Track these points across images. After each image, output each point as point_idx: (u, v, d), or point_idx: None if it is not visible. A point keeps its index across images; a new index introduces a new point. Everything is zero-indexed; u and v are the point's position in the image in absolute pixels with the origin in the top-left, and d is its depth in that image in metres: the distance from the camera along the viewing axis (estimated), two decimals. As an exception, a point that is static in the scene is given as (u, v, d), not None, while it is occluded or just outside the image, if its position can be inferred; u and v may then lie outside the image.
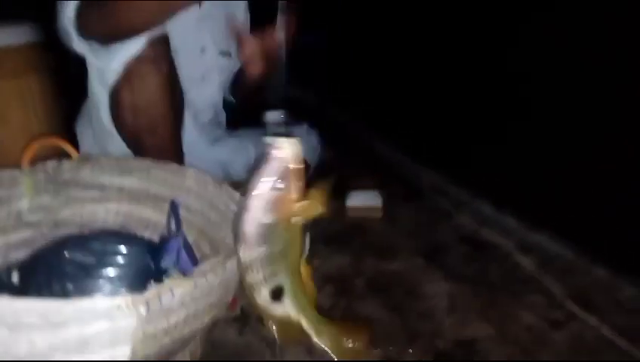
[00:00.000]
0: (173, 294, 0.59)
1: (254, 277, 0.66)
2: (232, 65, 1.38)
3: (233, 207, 0.90)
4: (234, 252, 0.68)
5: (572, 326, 1.00)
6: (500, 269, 1.21)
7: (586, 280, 1.16)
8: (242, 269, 0.66)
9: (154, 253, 0.81)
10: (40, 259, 0.78)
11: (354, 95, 2.53)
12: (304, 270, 0.70)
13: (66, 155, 0.98)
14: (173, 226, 0.84)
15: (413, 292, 1.11)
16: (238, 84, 1.41)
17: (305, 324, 0.69)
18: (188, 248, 0.81)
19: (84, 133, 1.25)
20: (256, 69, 1.20)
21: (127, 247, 0.79)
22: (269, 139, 0.64)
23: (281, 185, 0.64)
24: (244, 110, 1.52)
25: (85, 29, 0.95)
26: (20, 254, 0.94)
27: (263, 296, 0.67)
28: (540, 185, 1.52)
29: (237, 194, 0.90)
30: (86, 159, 0.99)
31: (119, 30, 0.93)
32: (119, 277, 0.78)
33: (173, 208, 0.86)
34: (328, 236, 1.32)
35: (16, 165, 0.97)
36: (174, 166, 0.98)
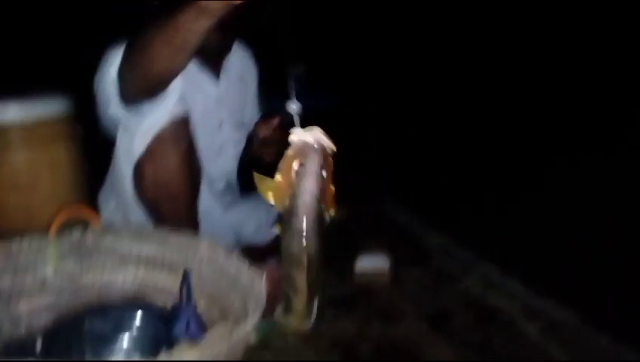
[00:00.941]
0: (182, 361, 0.64)
1: None
2: (244, 136, 1.47)
3: (243, 275, 0.96)
4: (242, 319, 0.73)
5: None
6: (505, 335, 1.22)
7: (590, 347, 1.17)
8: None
9: (166, 320, 0.87)
10: (62, 327, 0.84)
11: (364, 155, 2.61)
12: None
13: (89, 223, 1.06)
14: (184, 295, 0.90)
15: (417, 358, 1.13)
16: (250, 151, 1.50)
17: None
18: (197, 316, 0.86)
19: (106, 202, 1.33)
20: (270, 155, 1.32)
21: (141, 316, 0.84)
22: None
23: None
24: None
25: (124, 86, 1.02)
26: (43, 319, 1.00)
27: None
28: (547, 250, 1.55)
29: (246, 264, 0.96)
30: (108, 228, 1.06)
31: (151, 78, 0.99)
32: (134, 344, 0.84)
33: (185, 278, 0.92)
34: (336, 299, 1.35)
35: (44, 229, 1.04)
36: (189, 235, 1.04)
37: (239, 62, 1.45)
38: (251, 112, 1.52)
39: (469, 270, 1.55)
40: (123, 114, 1.07)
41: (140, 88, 1.01)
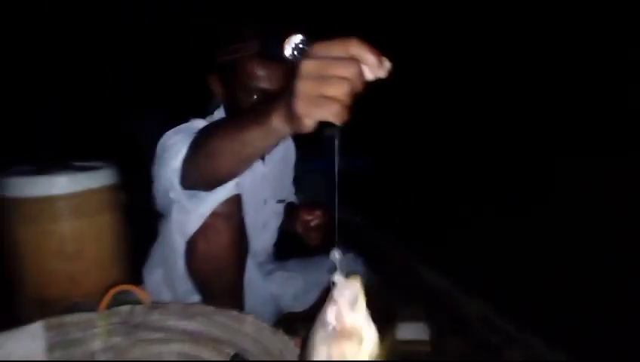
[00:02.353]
0: None
1: None
2: (282, 209, 1.52)
3: (286, 352, 0.96)
4: None
5: None
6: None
7: None
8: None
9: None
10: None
11: (400, 221, 2.61)
12: None
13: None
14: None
15: None
16: (289, 228, 1.53)
17: None
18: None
19: (151, 273, 1.37)
20: (315, 239, 1.38)
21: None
22: (335, 277, 0.66)
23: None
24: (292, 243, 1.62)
25: (187, 178, 1.05)
26: (91, 394, 1.02)
27: None
28: (593, 322, 1.50)
29: (290, 341, 0.97)
30: (155, 304, 1.08)
31: (214, 178, 1.03)
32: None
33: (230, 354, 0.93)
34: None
35: (86, 296, 1.07)
36: (234, 312, 1.06)
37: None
38: (289, 188, 1.57)
39: (511, 340, 1.51)
40: (184, 198, 1.11)
41: (203, 184, 1.05)
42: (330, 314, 0.65)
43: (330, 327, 0.64)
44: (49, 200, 1.47)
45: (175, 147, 1.07)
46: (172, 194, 1.10)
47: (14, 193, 1.46)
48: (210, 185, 1.06)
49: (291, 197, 1.57)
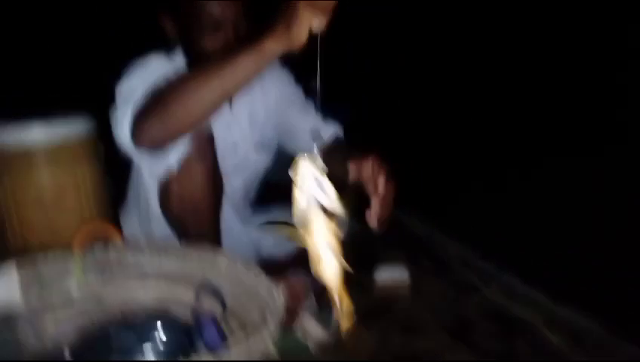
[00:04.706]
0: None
1: None
2: (267, 156, 1.48)
3: (260, 288, 0.97)
4: (259, 329, 0.75)
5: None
6: (528, 346, 1.21)
7: (615, 357, 1.15)
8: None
9: (187, 331, 0.88)
10: (88, 341, 0.86)
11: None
12: None
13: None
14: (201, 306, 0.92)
15: (439, 369, 1.12)
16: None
17: None
18: (217, 326, 0.88)
19: (128, 217, 1.36)
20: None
21: (163, 327, 0.86)
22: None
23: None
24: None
25: (140, 141, 1.03)
26: (68, 331, 1.03)
27: None
28: (570, 259, 1.53)
29: (264, 276, 0.97)
30: (129, 244, 1.09)
31: (174, 134, 1.02)
32: (157, 354, 0.85)
33: (206, 291, 0.94)
34: (356, 311, 1.35)
35: (68, 245, 1.07)
36: (207, 249, 1.06)
37: (268, 85, 1.42)
38: (271, 136, 1.49)
39: (489, 280, 1.53)
40: (143, 156, 1.09)
41: (166, 133, 1.00)
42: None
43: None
44: (26, 150, 1.46)
45: (124, 107, 1.04)
46: (131, 155, 1.08)
47: (-9, 143, 1.45)
48: (175, 134, 1.02)
49: (272, 148, 1.50)
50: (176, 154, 1.10)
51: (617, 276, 1.41)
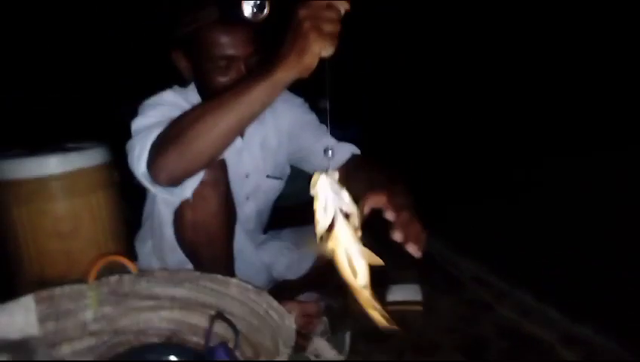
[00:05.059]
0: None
1: None
2: (281, 184, 1.50)
3: (271, 311, 0.98)
4: (272, 355, 0.78)
5: None
6: (543, 364, 1.20)
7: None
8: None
9: (200, 358, 0.89)
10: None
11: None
12: None
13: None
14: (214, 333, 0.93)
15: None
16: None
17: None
18: (230, 355, 0.89)
19: (142, 245, 1.39)
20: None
21: (177, 357, 0.87)
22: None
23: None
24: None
25: (158, 176, 1.03)
26: (84, 360, 1.05)
27: None
28: (584, 275, 1.51)
29: (275, 302, 0.98)
30: (143, 273, 1.11)
31: (192, 167, 1.02)
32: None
33: (218, 318, 0.95)
34: (368, 332, 1.35)
35: (85, 275, 1.10)
36: (219, 277, 1.08)
37: (279, 111, 1.43)
38: (284, 165, 1.50)
39: (503, 297, 1.52)
40: (162, 192, 1.11)
41: (184, 167, 1.01)
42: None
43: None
44: (42, 181, 1.50)
45: (141, 143, 1.06)
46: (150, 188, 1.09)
47: (8, 175, 1.49)
48: (189, 171, 1.03)
49: (285, 174, 1.51)
50: (191, 184, 1.11)
51: (634, 294, 1.39)
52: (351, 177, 1.30)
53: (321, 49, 0.82)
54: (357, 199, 0.83)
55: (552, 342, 1.28)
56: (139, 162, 1.05)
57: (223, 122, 0.94)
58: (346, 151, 1.37)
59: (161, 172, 1.01)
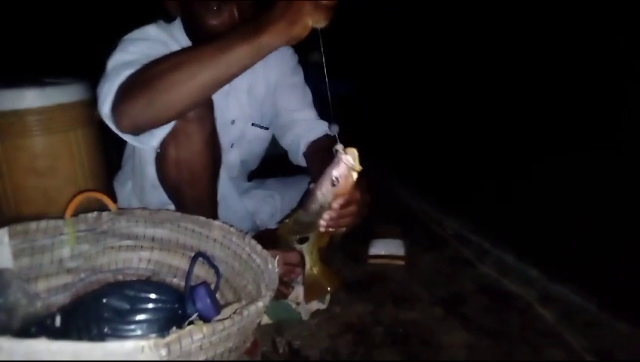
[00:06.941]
0: (192, 339, 0.65)
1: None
2: (268, 134, 1.47)
3: (254, 256, 0.97)
4: (254, 299, 0.75)
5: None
6: (520, 321, 1.21)
7: (607, 334, 1.15)
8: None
9: (181, 299, 0.88)
10: (80, 304, 0.85)
11: (378, 141, 2.60)
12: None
13: (106, 207, 1.07)
14: (195, 275, 0.91)
15: (431, 342, 1.13)
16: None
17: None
18: (211, 296, 0.87)
19: (122, 186, 1.35)
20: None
21: (157, 295, 0.85)
22: (337, 146, 0.89)
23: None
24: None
25: (120, 121, 0.97)
26: (60, 298, 1.03)
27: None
28: (564, 236, 1.53)
29: (259, 246, 0.97)
30: (123, 211, 1.07)
31: (157, 119, 0.97)
32: (149, 322, 0.85)
33: (201, 259, 0.93)
34: (350, 283, 1.36)
35: (62, 213, 1.06)
36: (202, 218, 1.05)
37: (271, 62, 1.38)
38: (271, 114, 1.46)
39: (484, 255, 1.53)
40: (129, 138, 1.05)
41: (148, 117, 0.95)
42: (335, 172, 0.89)
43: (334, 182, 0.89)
44: (18, 114, 1.43)
45: (111, 81, 0.99)
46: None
47: (-17, 108, 1.42)
48: (153, 123, 0.99)
49: (270, 122, 1.47)
50: (160, 133, 1.05)
51: (611, 254, 1.41)
52: (313, 156, 1.34)
53: (313, 18, 0.80)
54: (314, 180, 0.93)
55: (530, 300, 1.29)
56: (104, 103, 0.99)
57: (198, 77, 0.89)
58: (320, 130, 1.37)
59: (124, 118, 0.96)
